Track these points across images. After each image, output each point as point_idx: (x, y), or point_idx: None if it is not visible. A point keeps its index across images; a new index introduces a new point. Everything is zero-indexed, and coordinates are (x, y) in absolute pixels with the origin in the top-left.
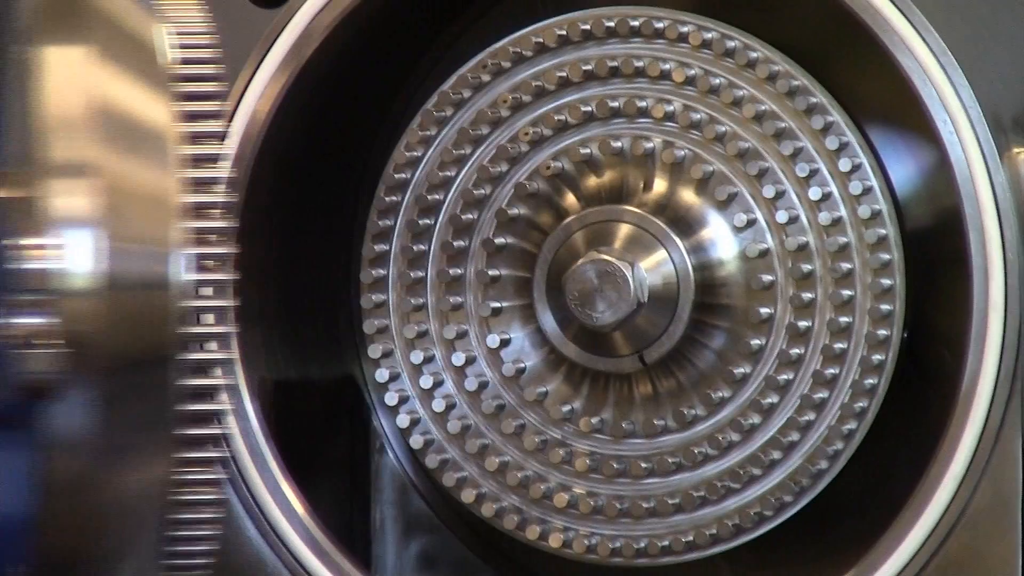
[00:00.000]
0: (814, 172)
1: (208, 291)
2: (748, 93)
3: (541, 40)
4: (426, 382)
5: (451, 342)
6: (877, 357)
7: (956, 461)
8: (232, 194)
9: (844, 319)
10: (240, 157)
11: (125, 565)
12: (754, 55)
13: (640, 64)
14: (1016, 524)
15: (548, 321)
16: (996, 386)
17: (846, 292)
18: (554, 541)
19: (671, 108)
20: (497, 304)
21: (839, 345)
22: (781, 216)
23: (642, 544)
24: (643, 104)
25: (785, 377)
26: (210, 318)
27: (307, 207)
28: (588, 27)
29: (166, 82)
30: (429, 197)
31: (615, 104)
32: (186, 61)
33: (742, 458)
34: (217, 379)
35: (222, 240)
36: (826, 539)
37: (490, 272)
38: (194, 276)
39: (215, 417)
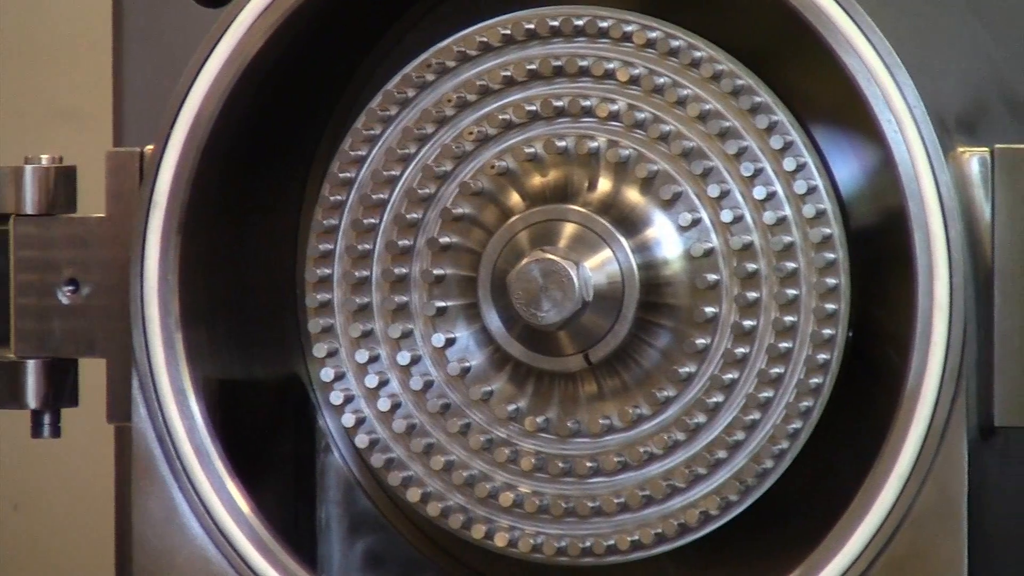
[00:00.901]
0: (759, 171)
1: None
2: (692, 92)
3: (485, 39)
4: (371, 381)
5: (396, 341)
6: (822, 356)
7: (901, 460)
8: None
9: (789, 318)
10: (184, 156)
11: None
12: (698, 54)
13: (584, 63)
14: (962, 524)
15: (493, 320)
16: (941, 385)
17: (791, 291)
18: (500, 540)
19: (615, 107)
20: (442, 303)
21: (784, 344)
22: (726, 215)
23: (588, 543)
24: (587, 103)
25: (730, 376)
26: None
27: (252, 206)
28: (532, 26)
29: None
30: (374, 196)
31: (559, 103)
32: None
33: (687, 457)
34: None
35: None
36: (772, 538)
37: (435, 271)
38: None
39: None
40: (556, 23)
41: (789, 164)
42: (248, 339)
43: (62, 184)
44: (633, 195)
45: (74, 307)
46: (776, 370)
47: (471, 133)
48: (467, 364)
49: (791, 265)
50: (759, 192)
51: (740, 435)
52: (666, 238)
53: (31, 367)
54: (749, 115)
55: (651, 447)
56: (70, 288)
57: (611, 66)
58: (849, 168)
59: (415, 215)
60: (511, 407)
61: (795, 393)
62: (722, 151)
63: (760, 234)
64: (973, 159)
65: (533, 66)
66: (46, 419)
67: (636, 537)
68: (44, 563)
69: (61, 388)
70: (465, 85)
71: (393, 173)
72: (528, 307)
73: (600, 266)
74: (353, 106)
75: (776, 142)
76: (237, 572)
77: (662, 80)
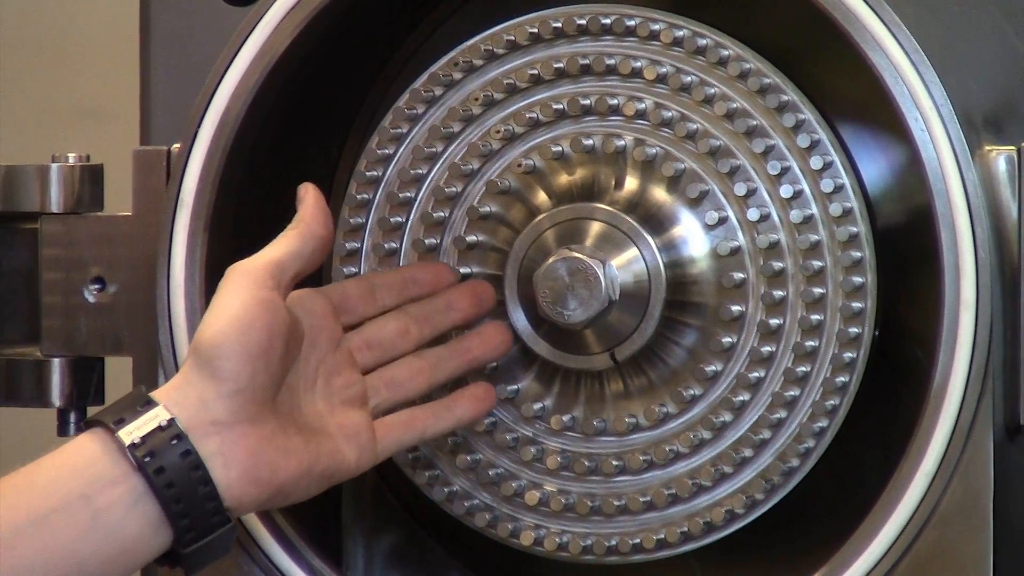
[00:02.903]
0: (785, 170)
1: None
2: (719, 91)
3: (513, 38)
4: None
5: None
6: (848, 355)
7: (927, 459)
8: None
9: (815, 317)
10: (211, 155)
11: None
12: (725, 53)
13: (611, 62)
14: (987, 522)
15: (520, 319)
16: (967, 384)
17: (817, 290)
18: (525, 539)
19: (642, 106)
20: None
21: (810, 343)
22: (752, 214)
23: (613, 542)
24: (614, 102)
25: (756, 375)
26: None
27: (278, 205)
28: (559, 25)
29: None
30: (401, 195)
31: (587, 102)
32: None
33: (713, 456)
34: None
35: None
36: (797, 537)
37: (462, 270)
38: None
39: None
40: (583, 21)
41: (816, 163)
42: None
43: (89, 182)
44: (660, 193)
45: (100, 305)
46: (802, 368)
47: (498, 131)
48: (493, 363)
49: (818, 263)
50: (786, 191)
51: (766, 433)
52: (693, 236)
53: (57, 365)
54: (776, 113)
55: (677, 445)
56: (97, 286)
57: (638, 64)
58: (876, 166)
59: (442, 213)
60: (537, 405)
61: (821, 391)
62: (749, 150)
63: (787, 233)
64: (1000, 158)
65: (560, 64)
66: (72, 418)
67: (662, 535)
68: None
69: (87, 386)
70: (492, 83)
71: (420, 171)
72: (555, 306)
73: (627, 264)
74: (380, 105)
75: (803, 141)
76: (262, 570)
77: (689, 79)
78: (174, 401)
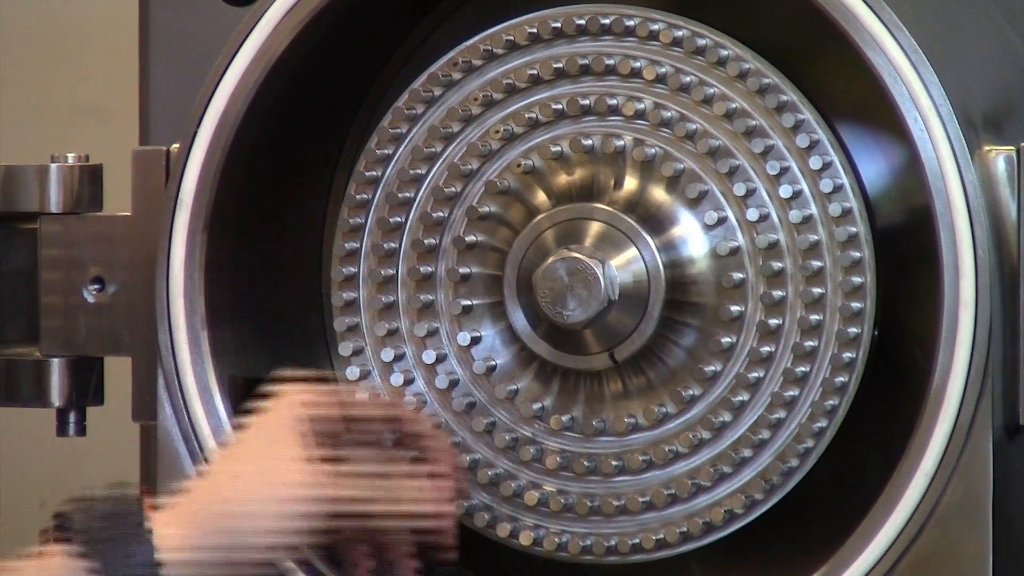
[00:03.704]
0: (784, 170)
1: None
2: (718, 91)
3: (512, 38)
4: (397, 380)
5: (422, 340)
6: (847, 355)
7: (927, 458)
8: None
9: (814, 317)
10: (210, 155)
11: None
12: (724, 53)
13: (611, 62)
14: (987, 521)
15: (519, 319)
16: (967, 384)
17: (816, 290)
18: (524, 539)
19: (642, 106)
20: (468, 302)
21: (809, 343)
22: (751, 214)
23: (612, 542)
24: (614, 102)
25: (755, 375)
26: None
27: (277, 205)
28: (559, 25)
29: None
30: (400, 194)
31: (586, 102)
32: None
33: (713, 456)
34: None
35: None
36: (796, 537)
37: (461, 270)
38: None
39: None
40: (583, 21)
41: (815, 163)
42: (274, 338)
43: (88, 182)
44: (659, 193)
45: (100, 306)
46: (802, 368)
47: (497, 131)
48: (492, 363)
49: (817, 263)
50: (785, 191)
51: (765, 433)
52: (692, 236)
53: (56, 366)
54: (775, 113)
55: (676, 446)
56: (96, 287)
57: (637, 64)
58: (875, 166)
59: (441, 213)
60: (536, 405)
61: (820, 392)
62: (748, 150)
63: (786, 233)
64: (999, 157)
65: (559, 64)
66: (71, 418)
67: (661, 536)
68: None
69: (86, 387)
70: (491, 83)
71: (419, 171)
72: (554, 306)
73: (626, 264)
74: (379, 105)
75: (802, 141)
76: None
77: (688, 79)
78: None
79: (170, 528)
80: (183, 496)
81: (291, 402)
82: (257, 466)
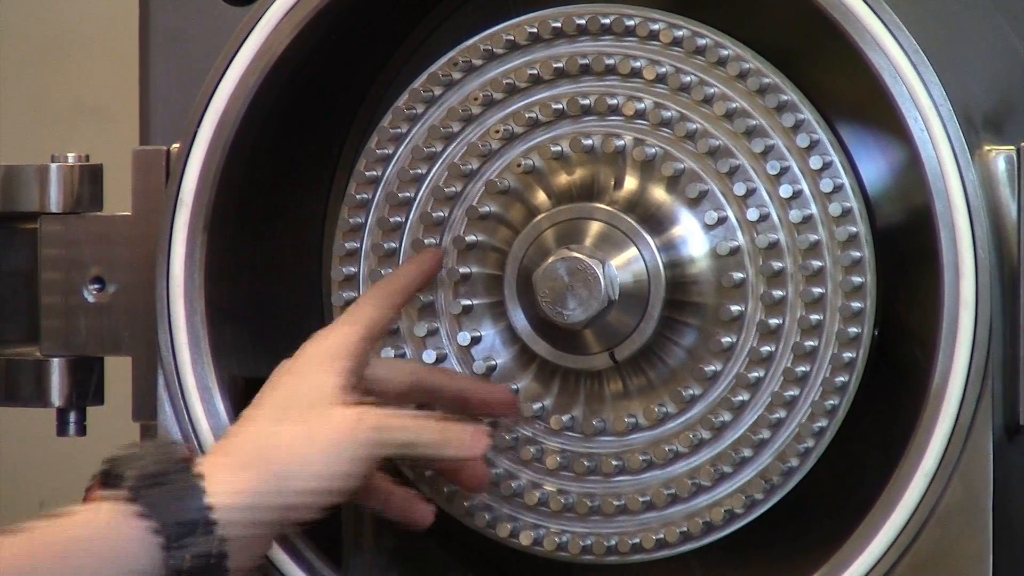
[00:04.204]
0: (784, 170)
1: None
2: (718, 91)
3: (512, 38)
4: None
5: (422, 339)
6: (848, 355)
7: (927, 459)
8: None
9: (815, 316)
10: (211, 155)
11: None
12: (724, 53)
13: (611, 62)
14: (987, 522)
15: (519, 319)
16: (967, 384)
17: (816, 290)
18: (524, 539)
19: (642, 106)
20: (468, 302)
21: (809, 343)
22: (752, 214)
23: (612, 542)
24: (614, 102)
25: (756, 375)
26: None
27: (277, 205)
28: (559, 24)
29: None
30: (400, 194)
31: (586, 102)
32: None
33: (713, 455)
34: None
35: None
36: (797, 537)
37: (461, 270)
38: None
39: None
40: (583, 21)
41: (815, 162)
42: (274, 337)
43: (88, 182)
44: (659, 193)
45: (100, 305)
46: (802, 368)
47: (497, 131)
48: (493, 362)
49: (817, 263)
50: (785, 190)
51: (765, 433)
52: (692, 236)
53: (56, 365)
54: (775, 113)
55: (676, 445)
56: (96, 286)
57: (638, 64)
58: (875, 166)
59: (441, 213)
60: (536, 405)
61: (821, 391)
62: (748, 149)
63: (786, 232)
64: (999, 157)
65: (560, 64)
66: (71, 417)
67: (661, 535)
68: None
69: (86, 386)
70: (491, 83)
71: (419, 171)
72: (554, 305)
73: (626, 264)
74: (379, 104)
75: (802, 140)
76: (261, 570)
77: (688, 78)
78: (233, 520)
79: (220, 475)
80: (229, 444)
81: (323, 344)
82: (299, 408)
